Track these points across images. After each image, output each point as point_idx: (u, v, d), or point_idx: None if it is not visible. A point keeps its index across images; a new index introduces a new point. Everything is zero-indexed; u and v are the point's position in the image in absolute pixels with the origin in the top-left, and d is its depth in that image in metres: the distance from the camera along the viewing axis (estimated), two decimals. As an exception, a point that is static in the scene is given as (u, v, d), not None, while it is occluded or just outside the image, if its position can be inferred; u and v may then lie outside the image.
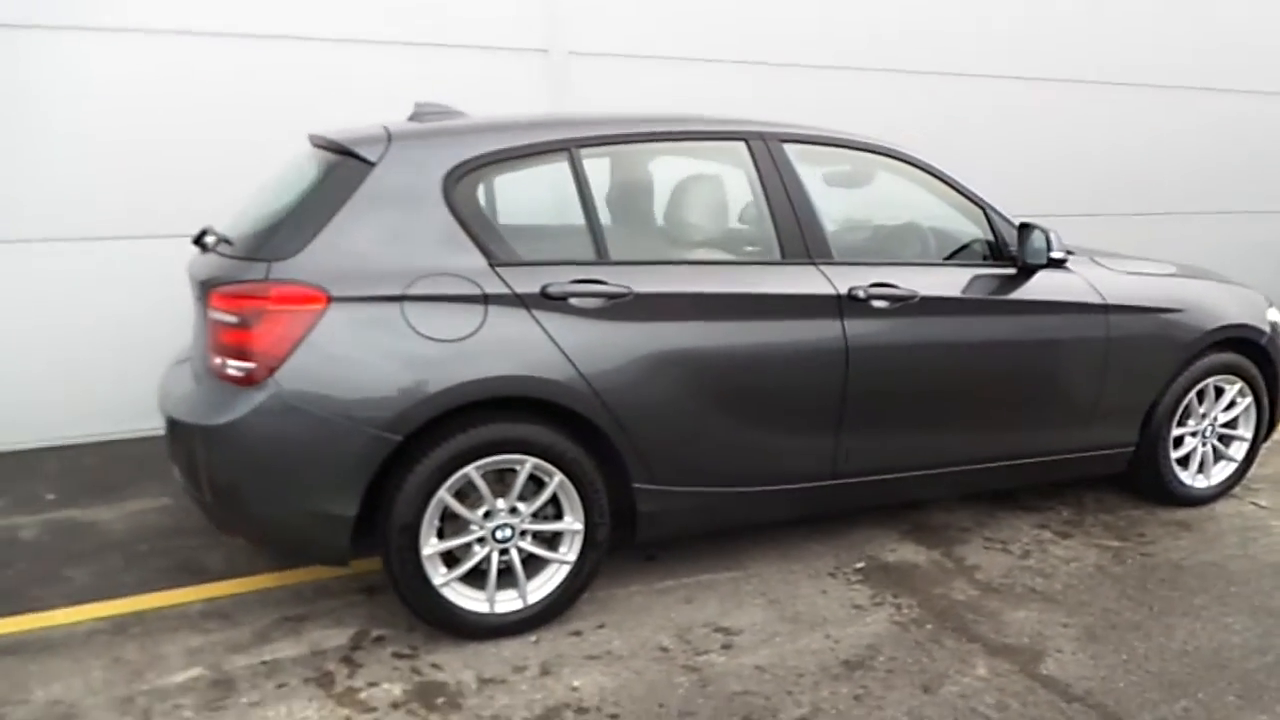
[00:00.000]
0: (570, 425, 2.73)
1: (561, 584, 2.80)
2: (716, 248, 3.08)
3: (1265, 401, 3.85)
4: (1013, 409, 3.34)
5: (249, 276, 2.54)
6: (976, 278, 3.26)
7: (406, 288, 2.57)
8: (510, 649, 2.72)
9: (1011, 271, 3.31)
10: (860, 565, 3.28)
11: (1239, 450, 3.89)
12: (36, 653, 2.69)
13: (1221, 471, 3.88)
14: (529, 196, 2.92)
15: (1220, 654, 2.73)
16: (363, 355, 2.52)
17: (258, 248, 2.61)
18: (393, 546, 2.59)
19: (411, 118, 3.03)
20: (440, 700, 2.48)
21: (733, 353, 2.88)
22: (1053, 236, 3.19)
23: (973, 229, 3.38)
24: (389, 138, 2.71)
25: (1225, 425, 3.85)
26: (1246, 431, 3.87)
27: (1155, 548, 3.45)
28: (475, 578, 2.73)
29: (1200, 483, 3.84)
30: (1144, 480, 3.79)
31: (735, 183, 3.07)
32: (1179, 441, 3.77)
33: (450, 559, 2.71)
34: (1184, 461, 3.79)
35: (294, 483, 2.52)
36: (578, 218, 2.81)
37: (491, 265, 2.66)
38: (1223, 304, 3.70)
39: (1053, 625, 2.88)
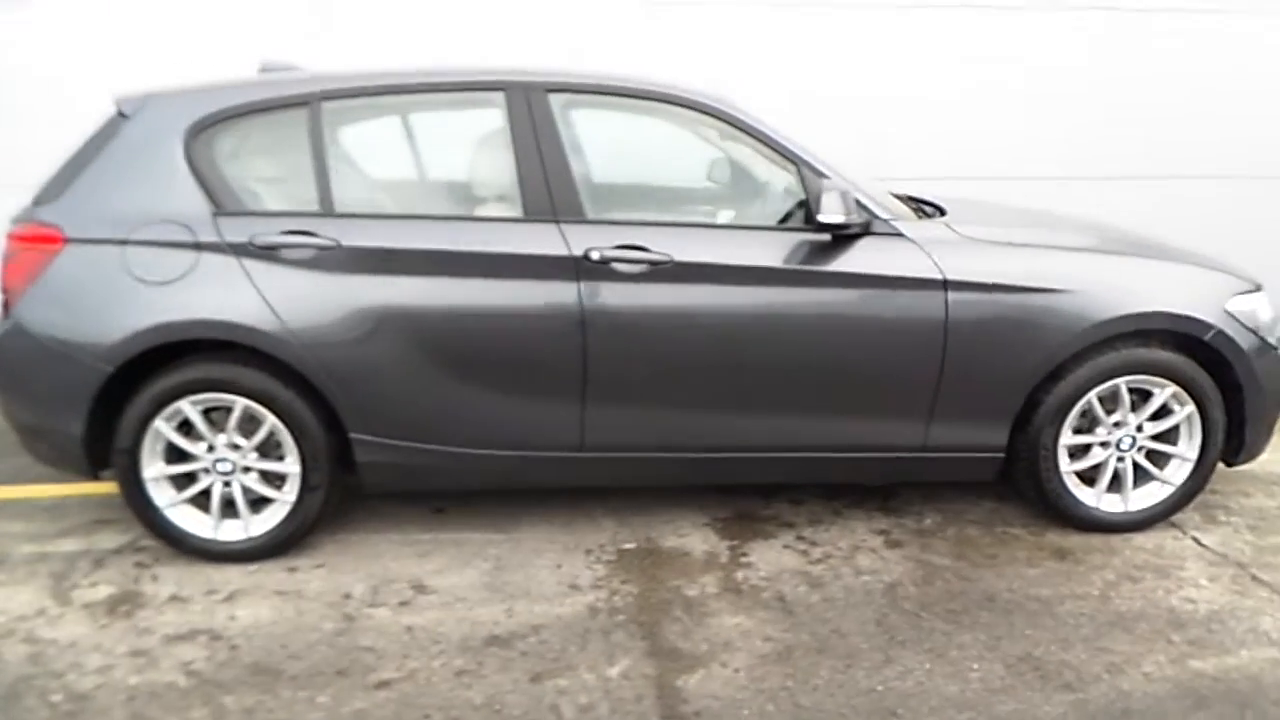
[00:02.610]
0: (287, 371, 2.84)
1: (282, 521, 2.95)
2: (459, 203, 2.99)
3: (1217, 414, 3.03)
4: (805, 395, 2.93)
5: (19, 218, 2.91)
6: (772, 244, 2.89)
7: (130, 232, 2.80)
8: (225, 574, 2.92)
9: (825, 238, 2.89)
10: (629, 546, 3.09)
11: (1177, 472, 3.11)
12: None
13: (1149, 495, 3.13)
14: (272, 149, 3.00)
15: (908, 701, 2.29)
16: (86, 291, 2.79)
17: (40, 193, 2.96)
18: (116, 467, 2.88)
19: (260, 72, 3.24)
20: (125, 608, 2.74)
21: (452, 312, 2.81)
22: (827, 198, 2.73)
23: (796, 188, 2.97)
24: (149, 95, 2.93)
25: (1159, 438, 3.10)
26: (1188, 450, 3.08)
27: (988, 573, 2.90)
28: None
29: (1112, 506, 3.13)
30: (1028, 495, 3.17)
31: (493, 136, 2.95)
32: (1080, 452, 3.09)
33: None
34: (1095, 478, 3.12)
35: (35, 401, 2.88)
36: (310, 170, 2.87)
37: (215, 214, 2.82)
38: (1140, 286, 2.95)
39: (754, 638, 2.56)
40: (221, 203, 2.83)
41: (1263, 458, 3.26)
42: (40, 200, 2.90)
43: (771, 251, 2.88)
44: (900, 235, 2.91)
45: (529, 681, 2.38)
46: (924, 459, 3.05)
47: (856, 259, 2.87)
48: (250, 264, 2.78)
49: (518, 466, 2.99)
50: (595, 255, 2.79)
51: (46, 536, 3.18)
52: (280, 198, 2.94)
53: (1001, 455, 3.05)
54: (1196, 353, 3.00)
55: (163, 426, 2.85)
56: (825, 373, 2.91)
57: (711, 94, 2.98)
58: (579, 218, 2.85)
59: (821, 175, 2.88)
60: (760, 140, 2.95)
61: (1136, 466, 3.12)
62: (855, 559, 3.00)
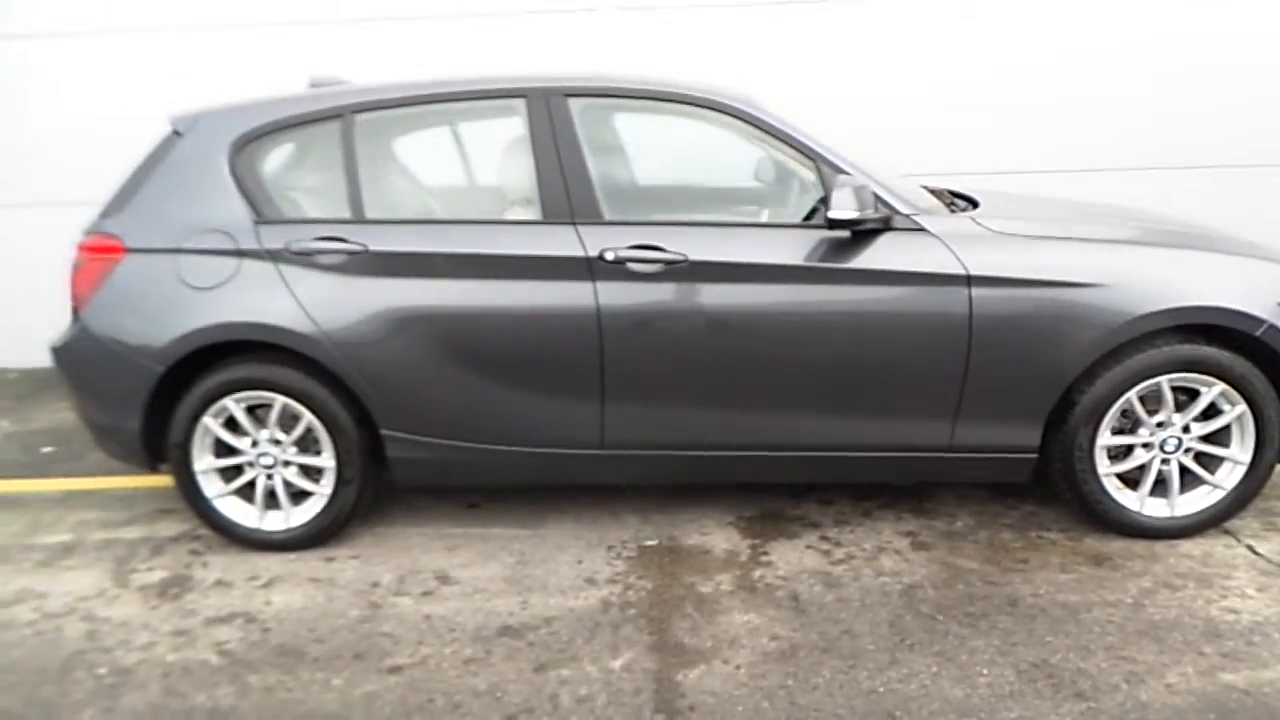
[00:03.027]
0: (322, 371, 2.99)
1: (319, 513, 3.10)
2: (485, 207, 3.08)
3: (1272, 413, 2.85)
4: (823, 393, 2.89)
5: (89, 230, 3.15)
6: (790, 242, 2.87)
7: (182, 241, 3.00)
8: (268, 562, 3.09)
9: (844, 235, 2.85)
10: (651, 543, 3.12)
11: (1229, 475, 2.94)
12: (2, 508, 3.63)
13: (1198, 500, 2.97)
14: (308, 159, 3.16)
15: (908, 704, 2.25)
16: (143, 296, 3.01)
17: (106, 207, 3.20)
18: (170, 459, 3.09)
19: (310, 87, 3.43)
20: (174, 591, 2.94)
21: (474, 313, 2.91)
22: (838, 194, 2.69)
23: (819, 186, 2.95)
24: (200, 113, 3.14)
25: (1209, 440, 2.93)
26: (1241, 452, 2.91)
27: (1015, 578, 2.81)
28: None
29: (1156, 510, 2.97)
30: (1067, 498, 3.04)
31: (515, 141, 3.03)
32: (1122, 453, 2.96)
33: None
34: (1139, 481, 2.98)
35: (102, 400, 3.11)
36: (342, 178, 3.02)
37: (256, 223, 2.99)
38: (1181, 279, 2.80)
39: (761, 636, 2.56)
40: (262, 212, 3.01)
41: (1331, 462, 3.05)
42: (106, 213, 3.14)
43: (789, 249, 2.86)
44: (923, 230, 2.85)
45: (533, 671, 2.45)
46: (950, 459, 2.97)
47: (876, 255, 2.83)
48: (286, 269, 2.95)
49: (541, 463, 3.06)
50: (610, 255, 2.84)
51: (116, 524, 3.43)
52: (316, 206, 3.10)
53: (1034, 456, 2.95)
54: (1247, 349, 2.83)
55: (210, 422, 3.04)
56: (843, 370, 2.87)
57: (729, 93, 2.98)
58: (596, 219, 2.90)
59: (840, 171, 2.85)
60: (779, 138, 2.94)
61: (1184, 469, 2.96)
62: (878, 560, 2.95)
